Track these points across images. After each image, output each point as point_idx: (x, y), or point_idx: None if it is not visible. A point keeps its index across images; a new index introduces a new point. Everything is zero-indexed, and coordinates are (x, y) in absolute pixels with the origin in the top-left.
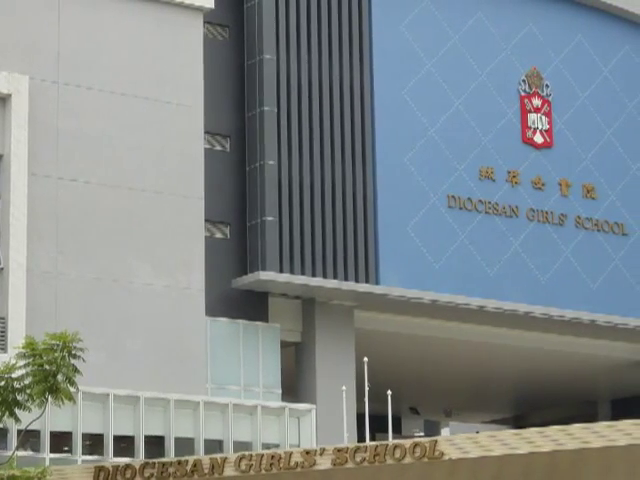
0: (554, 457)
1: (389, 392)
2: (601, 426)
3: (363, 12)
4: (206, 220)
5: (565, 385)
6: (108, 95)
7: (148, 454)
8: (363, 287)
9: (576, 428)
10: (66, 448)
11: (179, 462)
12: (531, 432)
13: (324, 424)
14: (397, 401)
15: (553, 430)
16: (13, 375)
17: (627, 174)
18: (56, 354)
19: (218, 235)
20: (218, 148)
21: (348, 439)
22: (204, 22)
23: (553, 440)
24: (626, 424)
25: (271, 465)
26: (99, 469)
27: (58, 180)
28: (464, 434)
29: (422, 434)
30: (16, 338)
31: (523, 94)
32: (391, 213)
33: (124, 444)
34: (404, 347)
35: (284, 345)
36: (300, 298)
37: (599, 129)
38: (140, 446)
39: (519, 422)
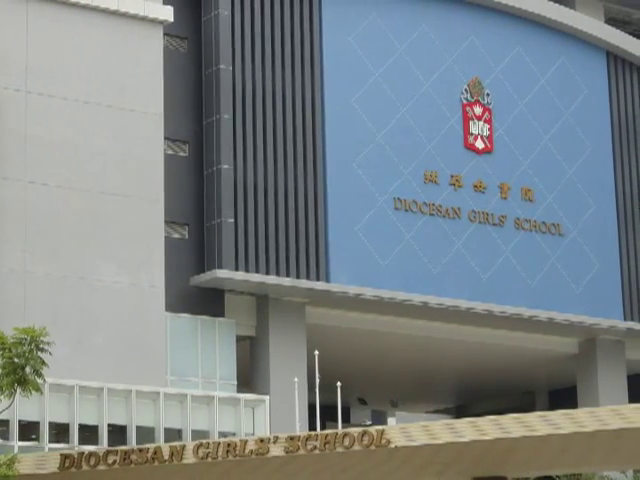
0: (486, 445)
1: (339, 384)
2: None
3: (314, 24)
4: (166, 221)
5: (505, 377)
6: (73, 103)
7: (111, 442)
8: (314, 284)
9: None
10: (34, 436)
11: (140, 450)
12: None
13: (277, 414)
14: (346, 392)
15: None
16: None
17: (563, 178)
18: (24, 348)
19: (177, 235)
20: (178, 153)
21: (300, 428)
22: (164, 34)
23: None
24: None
25: (227, 452)
26: (65, 456)
27: (26, 183)
28: (414, 423)
29: (370, 423)
30: None
31: (465, 102)
32: (341, 214)
33: (89, 433)
34: (353, 341)
35: (239, 339)
36: (254, 295)
37: (537, 135)
38: (104, 434)
39: (461, 412)
